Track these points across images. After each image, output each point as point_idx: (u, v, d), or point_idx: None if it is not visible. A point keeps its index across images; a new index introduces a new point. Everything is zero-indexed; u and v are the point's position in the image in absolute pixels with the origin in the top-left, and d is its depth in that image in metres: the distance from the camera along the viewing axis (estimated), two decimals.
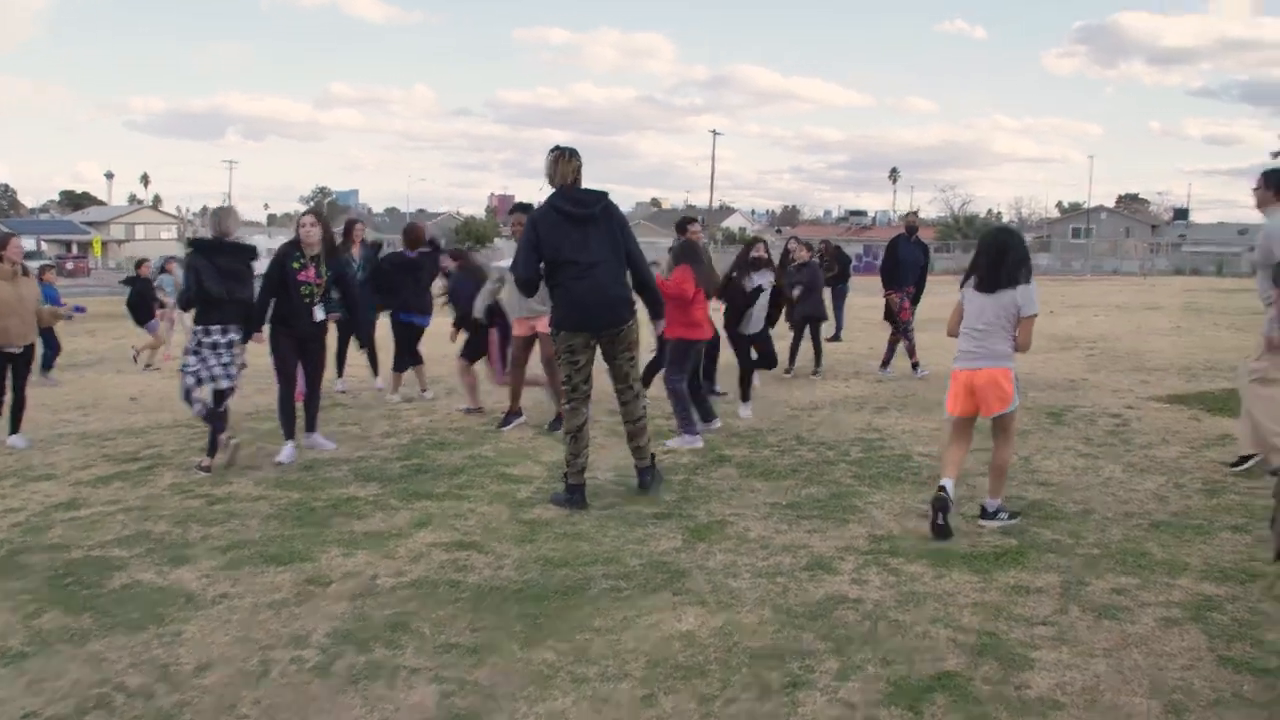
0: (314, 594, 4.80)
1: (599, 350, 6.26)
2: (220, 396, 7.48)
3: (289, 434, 7.76)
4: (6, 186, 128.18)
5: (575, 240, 5.97)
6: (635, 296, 6.31)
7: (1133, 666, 3.88)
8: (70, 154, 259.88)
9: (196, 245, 7.63)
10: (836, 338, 16.65)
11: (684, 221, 9.62)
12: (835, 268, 17.29)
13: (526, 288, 6.23)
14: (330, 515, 6.12)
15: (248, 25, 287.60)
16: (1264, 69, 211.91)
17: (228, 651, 4.16)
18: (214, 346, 7.37)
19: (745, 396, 9.39)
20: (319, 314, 7.72)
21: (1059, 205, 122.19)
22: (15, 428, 8.63)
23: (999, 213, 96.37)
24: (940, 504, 5.46)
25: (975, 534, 5.55)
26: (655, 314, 6.61)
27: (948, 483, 5.50)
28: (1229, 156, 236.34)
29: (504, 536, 5.64)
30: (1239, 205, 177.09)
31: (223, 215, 7.70)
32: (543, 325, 7.98)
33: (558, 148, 6.13)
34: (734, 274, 9.07)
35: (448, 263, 10.31)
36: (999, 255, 5.57)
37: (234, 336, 7.43)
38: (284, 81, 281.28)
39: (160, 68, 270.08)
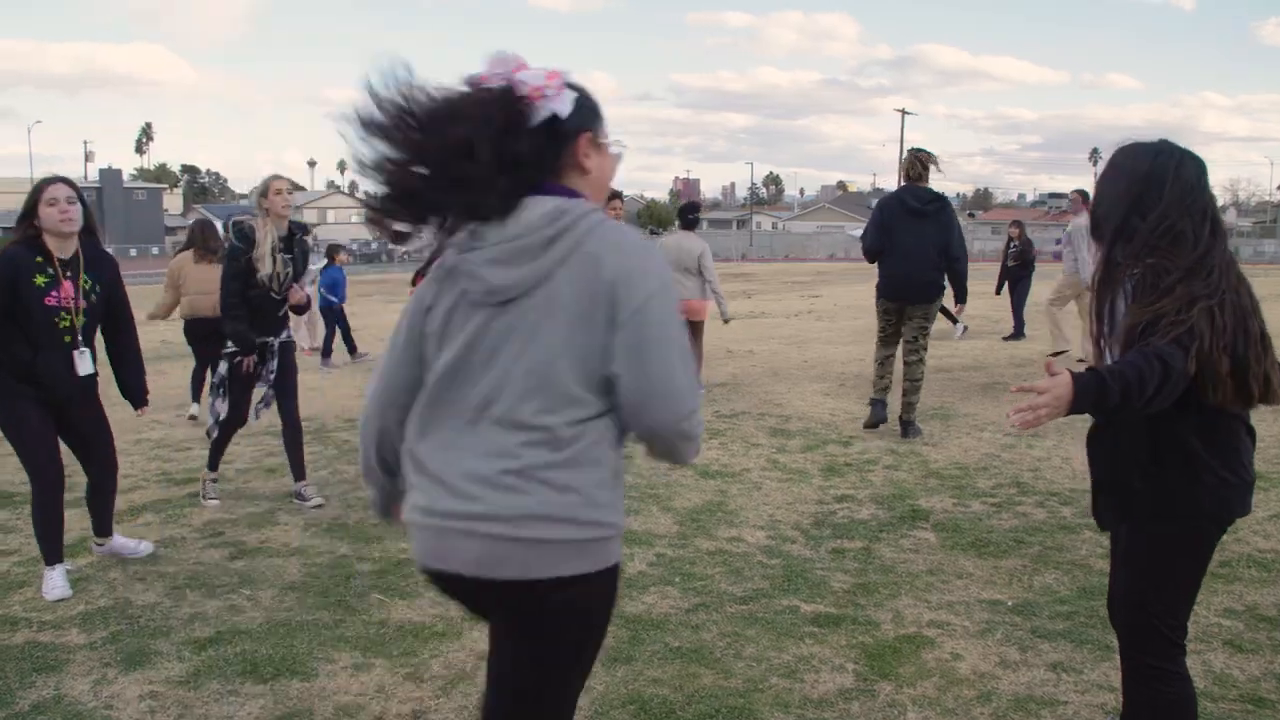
0: None
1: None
2: None
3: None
4: (218, 175, 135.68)
5: (908, 228, 7.22)
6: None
7: None
8: (276, 144, 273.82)
9: None
10: (1017, 334, 14.35)
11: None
12: (1021, 257, 14.81)
13: (868, 255, 7.63)
14: (368, 589, 4.48)
15: (437, 18, 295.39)
16: None
17: None
18: None
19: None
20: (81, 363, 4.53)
21: None
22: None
23: (1212, 194, 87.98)
24: None
25: None
26: (959, 297, 7.91)
27: None
28: None
29: None
30: None
31: None
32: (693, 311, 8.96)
33: (912, 150, 7.55)
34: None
35: None
36: None
37: None
38: (472, 71, 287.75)
39: (357, 63, 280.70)
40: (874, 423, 7.68)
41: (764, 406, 9.01)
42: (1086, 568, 4.65)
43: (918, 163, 7.39)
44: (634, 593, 4.37)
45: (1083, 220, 11.02)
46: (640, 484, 6.24)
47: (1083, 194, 11.77)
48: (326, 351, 12.95)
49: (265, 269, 5.54)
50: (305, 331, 14.18)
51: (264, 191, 5.68)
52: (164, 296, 8.96)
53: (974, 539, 5.08)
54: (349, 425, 8.32)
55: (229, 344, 5.72)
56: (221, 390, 5.84)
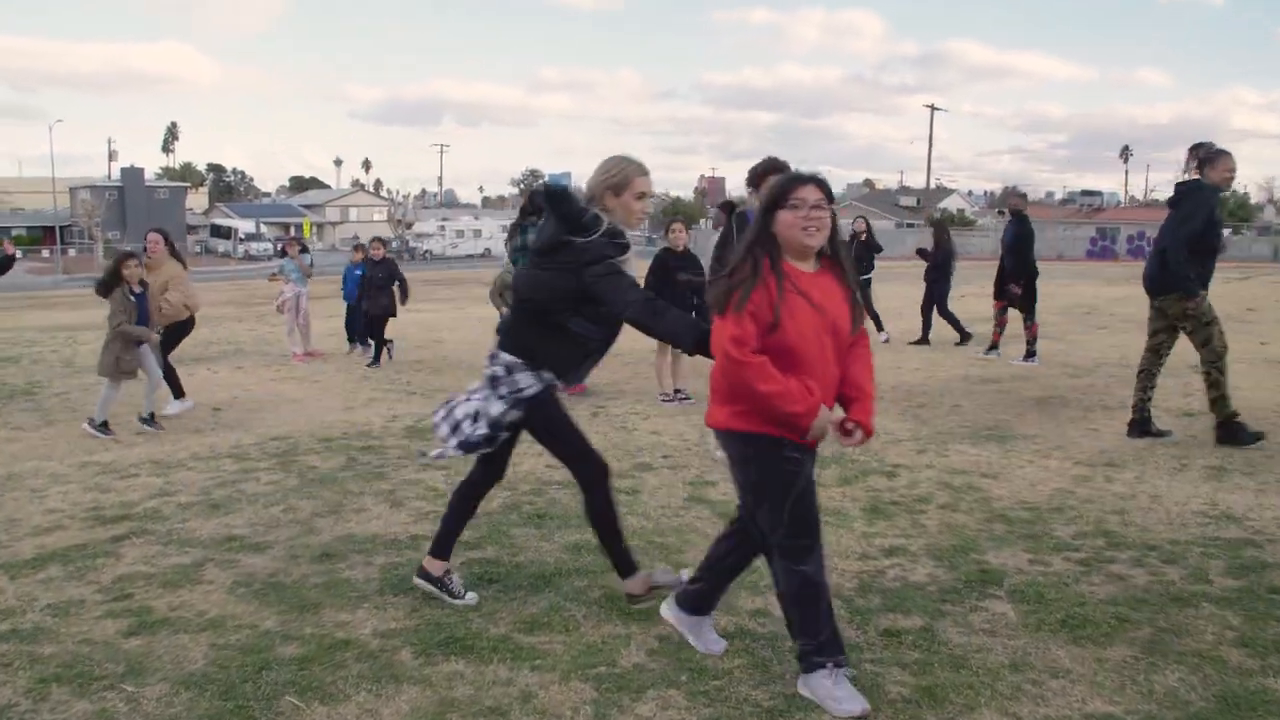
0: None
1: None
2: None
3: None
4: (244, 173, 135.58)
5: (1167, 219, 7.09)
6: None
7: None
8: (301, 143, 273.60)
9: None
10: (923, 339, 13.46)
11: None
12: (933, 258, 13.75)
13: None
14: (282, 688, 3.45)
15: (461, 15, 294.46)
16: None
17: None
18: None
19: None
20: None
21: None
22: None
23: (1246, 193, 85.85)
24: None
25: None
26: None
27: None
28: None
29: None
30: None
31: None
32: None
33: (1200, 145, 7.05)
34: None
35: None
36: None
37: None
38: (496, 69, 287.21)
39: (379, 59, 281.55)
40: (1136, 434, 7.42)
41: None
42: (1219, 661, 3.56)
43: (1191, 155, 7.14)
44: (625, 699, 3.33)
45: None
46: (646, 528, 5.20)
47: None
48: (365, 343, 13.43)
49: None
50: (298, 336, 13.28)
51: (617, 187, 3.78)
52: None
53: (1064, 615, 3.99)
54: (324, 447, 7.32)
55: (522, 381, 3.88)
56: (490, 433, 3.96)
